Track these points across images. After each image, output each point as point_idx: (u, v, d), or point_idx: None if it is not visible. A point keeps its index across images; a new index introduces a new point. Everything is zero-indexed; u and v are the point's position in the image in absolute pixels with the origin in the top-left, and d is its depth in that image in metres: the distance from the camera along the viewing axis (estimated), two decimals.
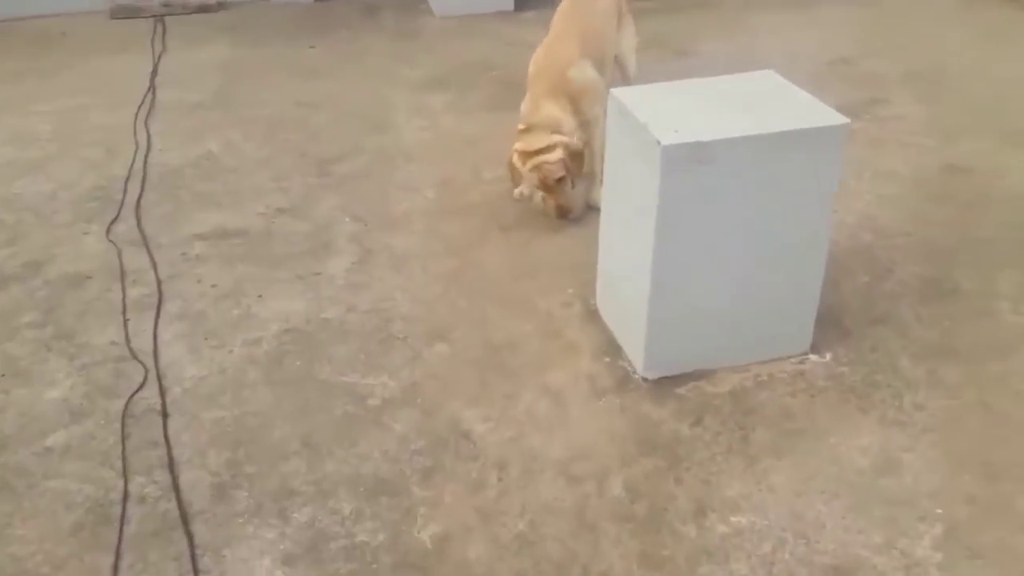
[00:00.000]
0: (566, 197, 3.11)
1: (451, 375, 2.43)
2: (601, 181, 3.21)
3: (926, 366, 2.46)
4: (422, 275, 2.91)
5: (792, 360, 2.47)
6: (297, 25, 5.39)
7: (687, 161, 2.09)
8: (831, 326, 2.57)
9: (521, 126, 3.16)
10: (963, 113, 4.03)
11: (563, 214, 3.14)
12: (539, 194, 3.12)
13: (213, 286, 2.84)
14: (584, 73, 3.22)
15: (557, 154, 3.05)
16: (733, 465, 2.13)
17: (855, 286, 2.80)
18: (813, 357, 2.49)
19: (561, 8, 3.55)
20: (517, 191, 3.16)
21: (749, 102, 2.29)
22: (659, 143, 2.07)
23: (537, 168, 3.04)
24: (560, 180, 3.05)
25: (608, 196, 2.55)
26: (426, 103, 4.30)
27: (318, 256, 3.00)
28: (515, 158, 3.13)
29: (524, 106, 3.21)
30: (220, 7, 5.60)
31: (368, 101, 4.33)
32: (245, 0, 5.71)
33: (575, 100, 3.17)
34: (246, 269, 2.93)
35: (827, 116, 2.22)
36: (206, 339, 2.59)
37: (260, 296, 2.78)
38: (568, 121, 3.15)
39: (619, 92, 2.37)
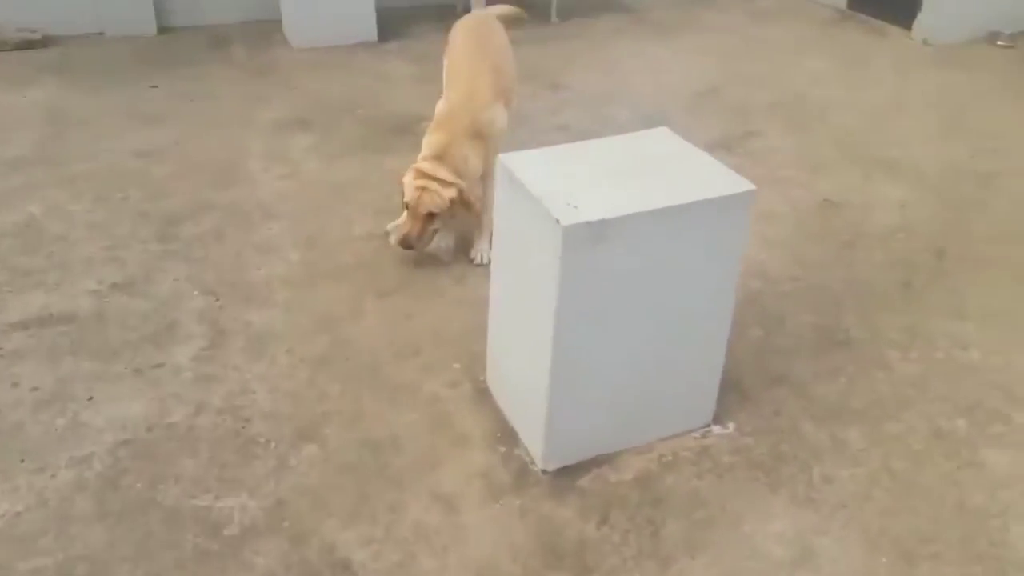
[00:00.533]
0: (420, 232, 2.92)
1: (324, 486, 2.12)
2: (487, 238, 3.01)
3: (829, 430, 2.36)
4: (286, 359, 2.58)
5: (695, 434, 2.32)
6: (136, 62, 4.90)
7: (588, 241, 1.88)
8: (731, 390, 2.44)
9: (429, 152, 2.97)
10: (829, 144, 4.06)
11: (405, 244, 2.95)
12: (401, 218, 2.99)
13: (33, 390, 2.41)
14: (497, 117, 3.08)
15: (451, 192, 2.88)
16: (646, 570, 1.93)
17: (750, 341, 2.69)
18: (716, 429, 2.34)
19: (460, 42, 3.36)
20: (390, 225, 3.05)
21: (648, 167, 2.12)
22: (559, 223, 1.85)
23: (424, 189, 2.88)
24: (431, 216, 2.89)
25: (497, 267, 2.31)
26: (285, 148, 3.95)
27: (161, 342, 2.61)
28: (409, 174, 2.94)
29: (435, 137, 3.00)
30: (45, 43, 5.02)
31: (219, 148, 3.93)
32: (75, 34, 5.15)
33: (487, 146, 3.00)
34: (74, 364, 2.51)
35: (731, 182, 2.07)
36: (23, 461, 2.17)
37: (91, 399, 2.38)
38: (476, 167, 2.99)
39: (509, 159, 2.14)
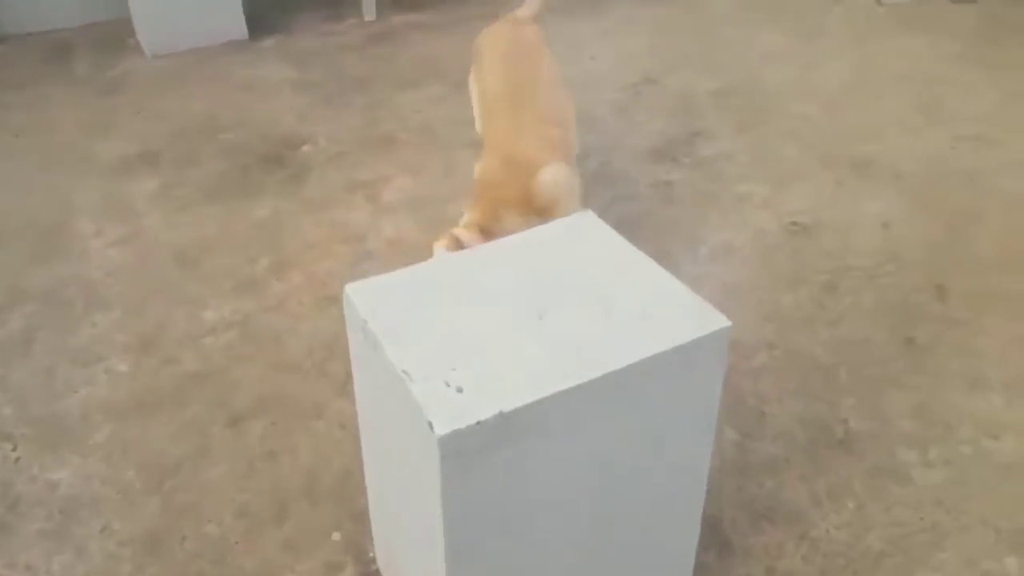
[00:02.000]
0: None
1: None
2: None
3: None
4: (99, 545, 1.87)
5: None
6: None
7: (481, 446, 1.20)
8: (709, 538, 1.81)
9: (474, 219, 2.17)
10: (791, 142, 3.41)
11: None
12: None
13: None
14: (559, 178, 2.25)
15: None
16: None
17: (724, 453, 2.05)
18: None
19: (493, 72, 2.54)
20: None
21: (568, 296, 1.43)
22: (432, 429, 1.16)
23: None
24: None
25: (365, 419, 1.62)
26: (125, 196, 3.15)
27: None
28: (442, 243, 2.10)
29: (479, 210, 2.21)
30: None
31: (43, 204, 3.12)
32: None
33: (547, 214, 2.18)
34: None
35: (696, 315, 1.40)
36: None
37: None
38: None
39: (356, 292, 1.44)
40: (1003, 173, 3.16)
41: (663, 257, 2.87)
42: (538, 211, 2.19)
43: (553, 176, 2.24)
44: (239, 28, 4.47)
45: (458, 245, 2.05)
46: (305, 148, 3.44)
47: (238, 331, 2.46)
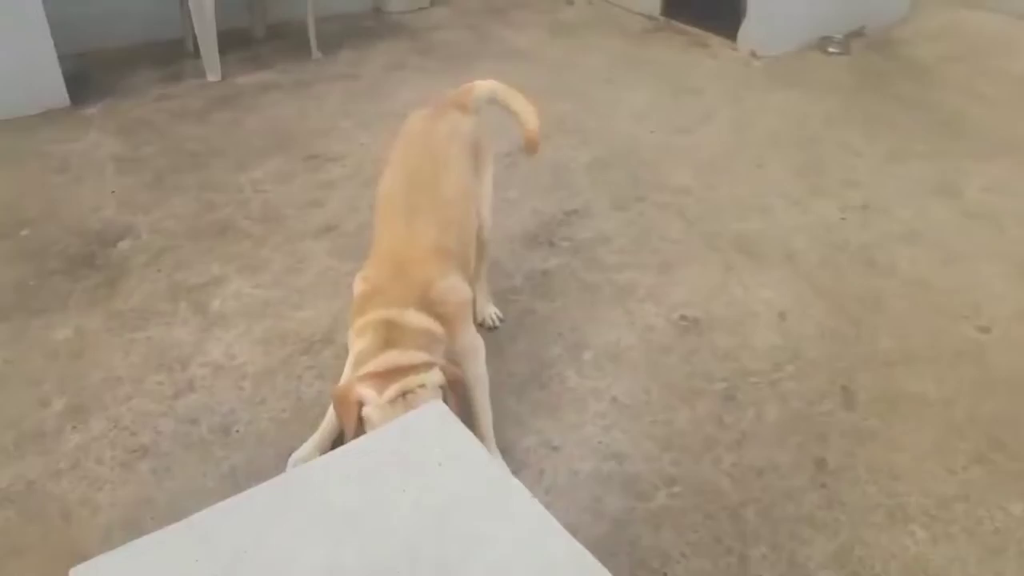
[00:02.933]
0: None
1: None
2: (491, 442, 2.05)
3: None
4: None
5: None
6: None
7: None
8: None
9: (369, 347, 1.80)
10: (671, 219, 3.15)
11: None
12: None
13: None
14: (452, 288, 1.93)
15: (435, 378, 1.72)
16: None
17: None
18: None
19: (394, 165, 2.15)
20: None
21: (416, 552, 1.03)
22: None
23: (408, 398, 1.67)
24: None
25: None
26: None
27: None
28: (358, 388, 1.70)
29: (361, 333, 1.83)
30: None
31: None
32: None
33: (448, 322, 1.87)
34: None
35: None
36: None
37: None
38: (441, 341, 1.85)
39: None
40: (895, 247, 2.99)
41: (545, 367, 2.57)
42: (439, 316, 1.86)
43: (448, 286, 1.92)
44: (58, 94, 3.90)
45: (376, 377, 1.70)
46: (123, 245, 2.92)
47: (16, 509, 1.94)
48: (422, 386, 1.69)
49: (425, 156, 2.13)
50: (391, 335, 1.79)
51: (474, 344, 2.03)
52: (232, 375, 2.35)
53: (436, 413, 1.27)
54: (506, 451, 2.11)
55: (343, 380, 1.93)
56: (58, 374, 2.34)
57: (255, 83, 4.24)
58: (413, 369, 1.71)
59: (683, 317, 2.62)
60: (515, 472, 2.05)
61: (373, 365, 1.74)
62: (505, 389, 2.30)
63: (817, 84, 4.38)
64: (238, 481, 2.02)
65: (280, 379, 2.34)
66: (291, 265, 2.84)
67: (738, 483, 2.05)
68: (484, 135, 2.34)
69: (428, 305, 1.85)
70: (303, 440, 2.10)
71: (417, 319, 1.83)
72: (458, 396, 1.82)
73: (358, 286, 1.94)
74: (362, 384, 1.71)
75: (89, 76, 4.14)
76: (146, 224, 3.04)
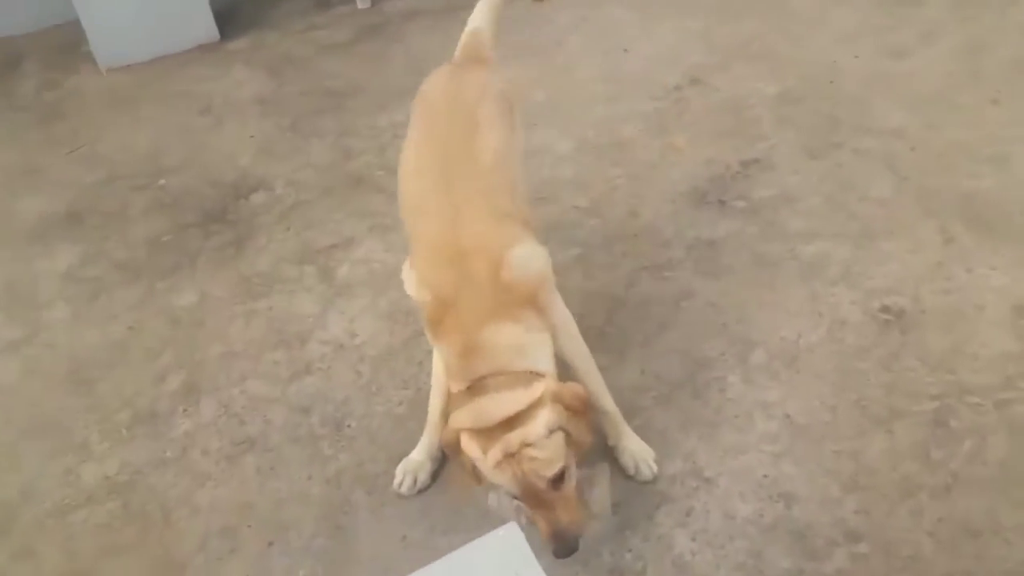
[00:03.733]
0: (570, 507, 1.48)
1: None
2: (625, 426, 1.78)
3: None
4: None
5: None
6: None
7: None
8: None
9: (458, 384, 1.52)
10: (877, 172, 2.57)
11: (563, 540, 1.46)
12: (515, 504, 1.52)
13: None
14: (532, 255, 1.61)
15: (540, 425, 1.43)
16: None
17: None
18: None
19: (418, 138, 1.80)
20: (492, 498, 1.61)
21: None
22: None
23: (515, 461, 1.42)
24: (559, 478, 1.45)
25: None
26: (32, 279, 2.56)
27: None
28: (466, 442, 1.48)
29: (446, 348, 1.56)
30: None
31: None
32: None
33: (535, 305, 1.57)
34: None
35: None
36: None
37: None
38: (543, 344, 1.56)
39: None
40: None
41: (701, 368, 2.00)
42: (523, 303, 1.53)
43: (524, 253, 1.57)
44: (208, 29, 3.80)
45: (482, 434, 1.42)
46: (255, 198, 2.78)
47: (120, 501, 1.85)
48: (527, 444, 1.40)
49: (455, 120, 1.76)
50: (478, 378, 1.47)
51: (564, 318, 1.69)
52: (351, 356, 2.14)
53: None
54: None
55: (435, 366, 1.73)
56: (178, 345, 2.24)
57: (406, 9, 3.94)
58: (515, 421, 1.41)
59: (885, 308, 2.11)
60: (655, 508, 1.70)
61: (470, 420, 1.45)
62: (648, 395, 1.94)
63: None
64: (343, 488, 1.82)
65: (400, 363, 2.11)
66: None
67: (944, 546, 1.60)
68: (510, 87, 1.94)
69: (506, 300, 1.51)
70: (414, 443, 1.86)
71: (502, 337, 1.49)
72: (584, 418, 1.50)
73: (416, 291, 1.58)
74: (464, 440, 1.46)
75: (238, 9, 4.01)
76: (281, 174, 2.88)
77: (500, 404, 1.43)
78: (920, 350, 1.99)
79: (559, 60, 3.36)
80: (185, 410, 2.05)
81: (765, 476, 1.75)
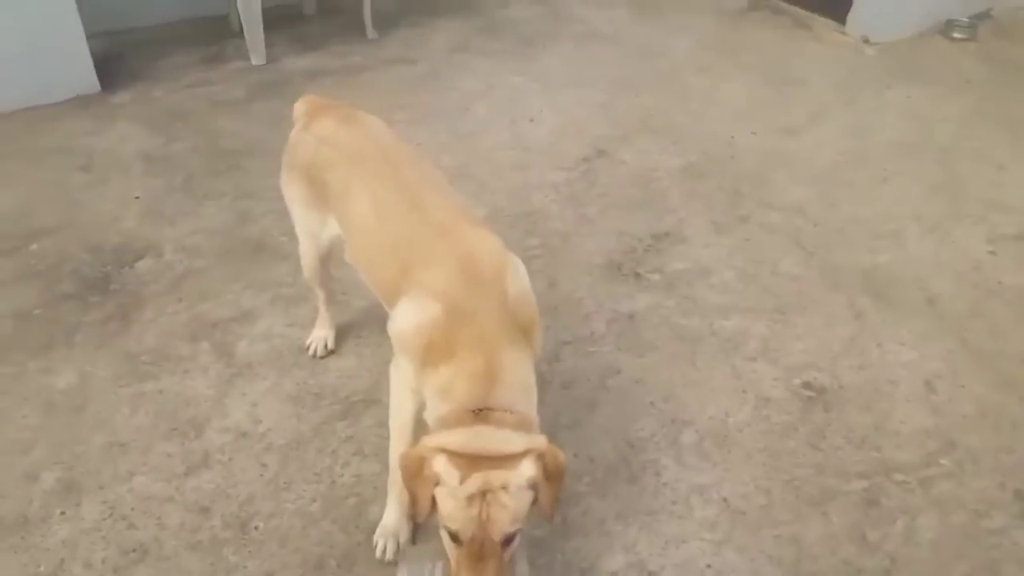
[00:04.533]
0: (501, 573, 1.34)
1: None
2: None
3: None
4: None
5: None
6: None
7: None
8: None
9: (459, 405, 1.40)
10: (783, 247, 2.64)
11: None
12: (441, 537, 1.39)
13: None
14: (521, 275, 1.55)
15: (525, 474, 1.33)
16: None
17: None
18: None
19: (371, 175, 1.73)
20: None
21: None
22: None
23: (485, 502, 1.31)
24: (510, 539, 1.35)
25: None
26: None
27: None
28: (442, 464, 1.34)
29: (453, 368, 1.41)
30: None
31: None
32: None
33: (529, 335, 1.50)
34: None
35: None
36: None
37: None
38: (535, 390, 1.48)
39: None
40: None
41: (635, 451, 1.97)
42: (524, 331, 1.48)
43: (516, 271, 1.54)
44: (87, 79, 3.52)
45: (462, 463, 1.32)
46: (141, 265, 2.54)
47: None
48: (504, 488, 1.31)
49: (399, 154, 1.80)
50: (487, 404, 1.37)
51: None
52: (255, 447, 1.95)
53: None
54: (587, 572, 1.67)
55: (398, 413, 1.59)
56: (53, 436, 1.97)
57: (303, 68, 3.81)
58: (503, 461, 1.32)
59: (806, 384, 2.12)
60: None
61: (458, 442, 1.34)
62: (584, 481, 1.85)
63: (943, 77, 3.76)
64: None
65: (311, 453, 1.93)
66: (333, 297, 2.41)
67: None
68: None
69: (513, 320, 1.46)
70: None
71: (519, 373, 1.43)
72: (555, 485, 1.38)
73: (420, 309, 1.47)
74: (441, 459, 1.32)
75: (122, 57, 3.76)
76: (171, 239, 2.65)
77: (498, 439, 1.34)
78: (844, 428, 2.00)
79: (466, 127, 3.31)
80: (63, 513, 1.79)
81: (708, 566, 1.69)
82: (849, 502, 1.82)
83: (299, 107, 2.03)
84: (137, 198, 2.87)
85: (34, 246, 2.63)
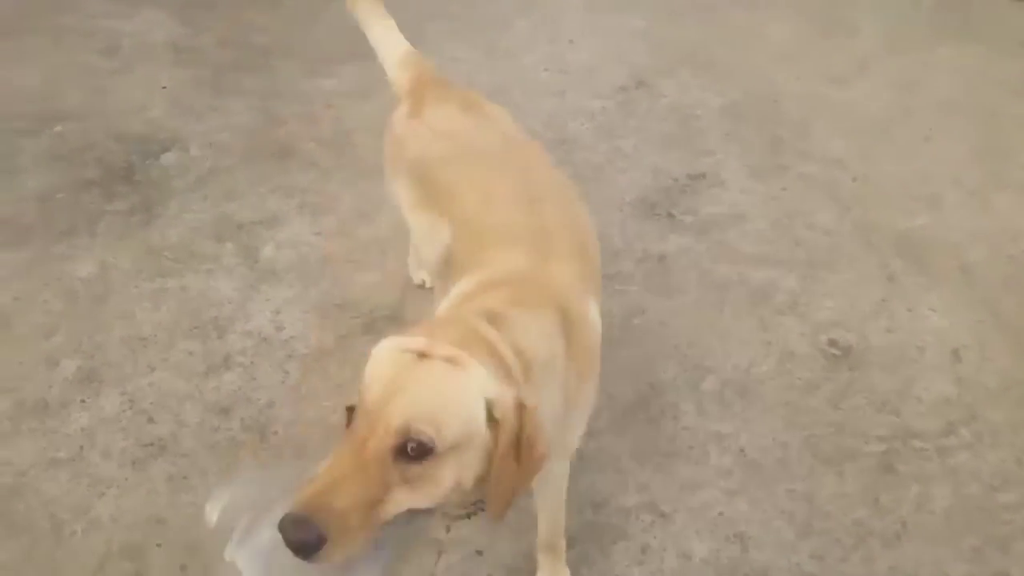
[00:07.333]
0: (365, 499, 0.94)
1: None
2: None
3: None
4: None
5: None
6: None
7: None
8: None
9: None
10: (821, 201, 2.58)
11: (309, 513, 0.91)
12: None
13: None
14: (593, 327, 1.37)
15: (485, 385, 1.01)
16: None
17: None
18: None
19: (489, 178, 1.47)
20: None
21: None
22: None
23: (414, 374, 1.00)
24: (425, 451, 0.96)
25: None
26: None
27: None
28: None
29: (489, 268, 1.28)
30: None
31: None
32: None
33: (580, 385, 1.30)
34: None
35: None
36: None
37: None
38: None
39: None
40: None
41: (655, 393, 1.90)
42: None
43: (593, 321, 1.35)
44: None
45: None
46: (167, 158, 2.49)
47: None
48: (449, 370, 1.00)
49: (518, 161, 1.54)
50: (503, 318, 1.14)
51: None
52: (276, 353, 1.94)
53: None
54: (600, 507, 1.67)
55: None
56: (74, 324, 1.96)
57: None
58: (477, 347, 1.05)
59: (833, 342, 2.10)
60: (611, 544, 1.62)
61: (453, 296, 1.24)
62: (603, 416, 1.85)
63: (999, 38, 3.61)
64: None
65: (333, 366, 1.92)
66: (361, 209, 2.38)
67: None
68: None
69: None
70: None
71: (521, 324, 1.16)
72: (521, 466, 1.04)
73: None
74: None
75: None
76: (198, 134, 2.60)
77: (471, 334, 1.08)
78: (866, 389, 1.99)
79: (504, 43, 3.21)
80: (83, 401, 1.79)
81: (720, 514, 1.70)
82: (865, 464, 1.82)
83: (402, 77, 1.69)
84: (164, 88, 2.80)
85: (58, 128, 2.57)
